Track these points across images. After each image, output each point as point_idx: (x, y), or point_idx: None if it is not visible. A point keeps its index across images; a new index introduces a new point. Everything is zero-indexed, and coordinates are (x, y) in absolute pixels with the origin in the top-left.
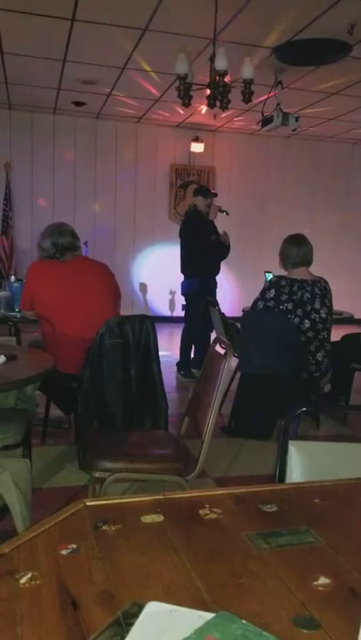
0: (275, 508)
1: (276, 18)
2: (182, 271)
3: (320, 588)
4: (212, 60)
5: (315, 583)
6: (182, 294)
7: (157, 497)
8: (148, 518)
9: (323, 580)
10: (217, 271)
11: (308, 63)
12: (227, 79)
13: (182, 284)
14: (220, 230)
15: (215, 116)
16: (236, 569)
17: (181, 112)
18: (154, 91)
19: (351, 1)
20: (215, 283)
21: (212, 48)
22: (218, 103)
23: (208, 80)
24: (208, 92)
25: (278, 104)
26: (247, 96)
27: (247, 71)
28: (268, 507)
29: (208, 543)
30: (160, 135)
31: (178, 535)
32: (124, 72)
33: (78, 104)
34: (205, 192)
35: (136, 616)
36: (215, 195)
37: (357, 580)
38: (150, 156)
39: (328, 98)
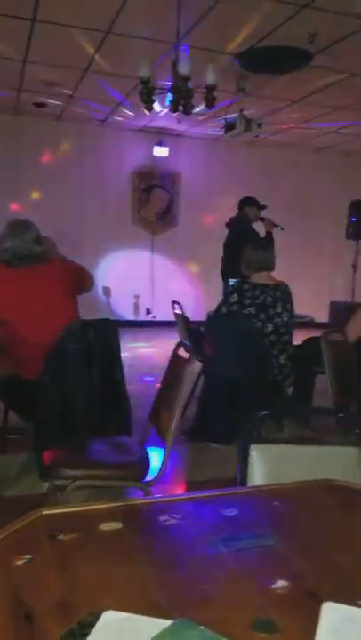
0: (235, 512)
1: (238, 25)
2: (225, 274)
3: (279, 591)
4: (174, 64)
5: (274, 586)
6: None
7: (116, 504)
8: (107, 526)
9: (281, 583)
10: None
11: (271, 71)
12: (190, 84)
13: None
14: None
15: (179, 121)
16: (196, 574)
17: (145, 116)
18: (117, 94)
19: (312, 11)
20: None
21: (174, 53)
22: (181, 108)
23: (171, 84)
24: (171, 96)
25: (241, 110)
26: (210, 101)
27: (210, 77)
28: (229, 510)
29: (168, 549)
30: (124, 139)
31: (137, 542)
32: (87, 74)
33: (39, 105)
34: (256, 203)
35: (92, 626)
36: (264, 207)
37: (316, 582)
38: (114, 159)
39: (290, 106)
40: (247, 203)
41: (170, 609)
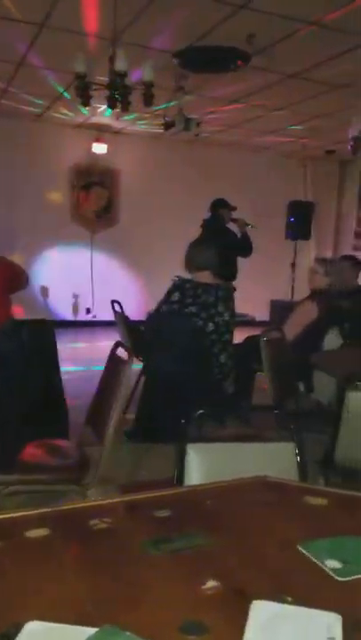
0: (167, 513)
1: (176, 23)
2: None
3: (209, 592)
4: (111, 60)
5: (203, 587)
6: None
7: (44, 510)
8: (33, 533)
9: (212, 583)
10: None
11: (209, 70)
12: (127, 81)
13: None
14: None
15: (118, 118)
16: (125, 579)
17: (83, 112)
18: (53, 89)
19: (250, 12)
20: None
21: (112, 48)
22: (118, 104)
23: (108, 81)
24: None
25: (180, 109)
26: (148, 99)
27: (147, 74)
28: (162, 512)
29: (97, 555)
30: (61, 135)
31: (65, 549)
32: (21, 68)
33: None
34: (227, 204)
35: (13, 638)
36: (235, 208)
37: (246, 581)
38: (51, 155)
39: (229, 105)
40: (220, 204)
41: (96, 616)
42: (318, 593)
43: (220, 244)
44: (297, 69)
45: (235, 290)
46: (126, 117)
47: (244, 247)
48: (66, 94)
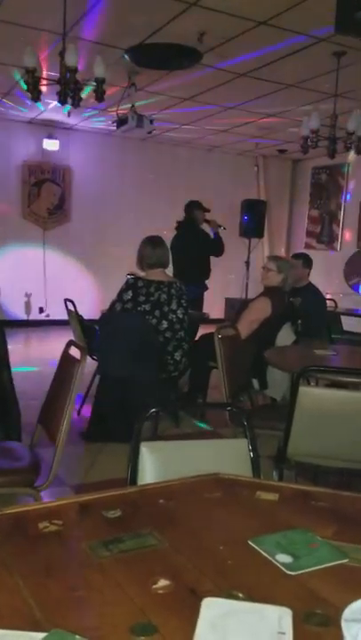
0: (119, 514)
1: (127, 19)
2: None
3: (160, 592)
4: (62, 55)
5: (154, 587)
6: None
7: None
8: None
9: (163, 583)
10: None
11: (161, 67)
12: (79, 77)
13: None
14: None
15: (69, 114)
16: (74, 582)
17: (34, 107)
18: (2, 83)
19: (200, 10)
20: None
21: (62, 43)
22: (69, 100)
23: (58, 76)
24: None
25: (133, 105)
26: (100, 95)
27: (98, 70)
28: (112, 512)
29: (45, 558)
30: (11, 130)
31: (12, 553)
32: None
33: None
34: (201, 206)
35: None
36: (209, 210)
37: (197, 580)
38: (2, 152)
39: (182, 103)
40: (195, 206)
41: (44, 621)
42: (269, 588)
43: (195, 245)
44: (248, 68)
45: (207, 288)
46: (77, 113)
47: (218, 248)
48: (23, 84)
